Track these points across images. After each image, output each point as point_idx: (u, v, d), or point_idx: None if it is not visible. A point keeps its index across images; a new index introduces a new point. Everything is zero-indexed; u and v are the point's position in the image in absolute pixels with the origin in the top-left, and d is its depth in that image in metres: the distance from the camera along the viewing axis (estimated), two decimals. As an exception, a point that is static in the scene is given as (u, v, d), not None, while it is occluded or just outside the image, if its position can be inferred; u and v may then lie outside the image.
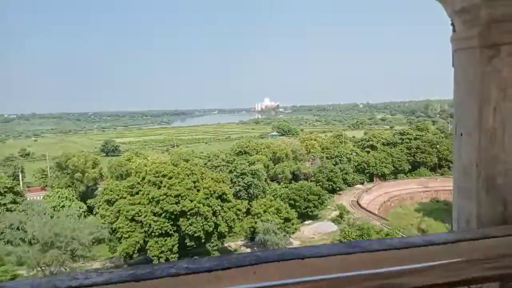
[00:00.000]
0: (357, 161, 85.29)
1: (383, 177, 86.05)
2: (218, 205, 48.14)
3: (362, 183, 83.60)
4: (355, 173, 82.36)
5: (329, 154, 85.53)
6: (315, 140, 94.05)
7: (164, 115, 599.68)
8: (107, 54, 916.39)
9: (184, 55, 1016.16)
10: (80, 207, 60.44)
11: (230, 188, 53.63)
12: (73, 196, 64.56)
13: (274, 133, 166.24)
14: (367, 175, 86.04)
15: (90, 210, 60.73)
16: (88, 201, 62.63)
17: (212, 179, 50.93)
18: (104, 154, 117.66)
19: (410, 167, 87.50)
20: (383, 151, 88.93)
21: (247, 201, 55.93)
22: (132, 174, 55.44)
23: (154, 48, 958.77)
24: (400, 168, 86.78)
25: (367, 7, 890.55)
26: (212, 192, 48.31)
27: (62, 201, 62.40)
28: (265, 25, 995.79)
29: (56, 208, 57.99)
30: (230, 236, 50.75)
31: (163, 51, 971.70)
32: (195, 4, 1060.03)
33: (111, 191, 50.49)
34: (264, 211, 54.42)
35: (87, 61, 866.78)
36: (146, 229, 45.87)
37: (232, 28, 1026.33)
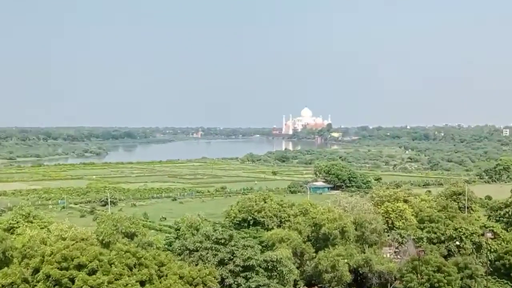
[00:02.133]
0: (499, 252, 68.37)
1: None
2: None
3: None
4: (496, 277, 63.04)
5: (435, 232, 72.05)
6: (405, 201, 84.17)
7: (91, 137, 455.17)
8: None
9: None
10: None
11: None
12: None
13: (320, 182, 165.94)
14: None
15: None
16: None
17: (181, 277, 44.73)
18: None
19: None
20: None
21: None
22: (15, 260, 47.55)
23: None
24: None
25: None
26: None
27: None
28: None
29: None
30: None
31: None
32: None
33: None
34: None
35: None
36: None
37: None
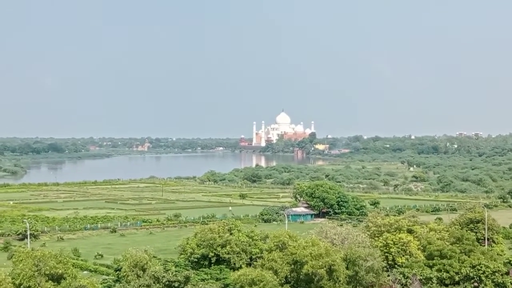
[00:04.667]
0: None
1: None
2: None
3: None
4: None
5: (447, 270, 73.90)
6: (410, 232, 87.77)
7: (4, 151, 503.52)
8: None
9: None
10: None
11: None
12: None
13: (301, 208, 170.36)
14: None
15: None
16: None
17: None
18: None
19: None
20: None
21: None
22: None
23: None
24: None
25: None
26: None
27: None
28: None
29: None
30: None
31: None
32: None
33: None
34: None
35: None
36: None
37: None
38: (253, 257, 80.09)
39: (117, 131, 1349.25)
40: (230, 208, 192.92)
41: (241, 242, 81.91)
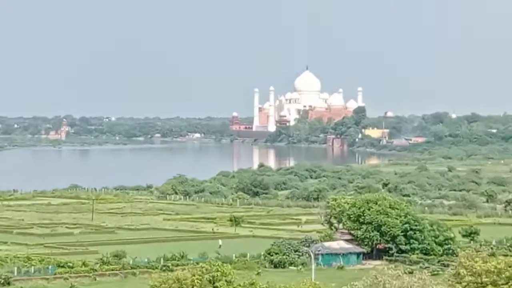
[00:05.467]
0: None
1: None
2: None
3: None
4: None
5: None
6: None
7: None
8: None
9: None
10: None
11: None
12: None
13: (340, 242, 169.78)
14: None
15: None
16: None
17: None
18: None
19: None
20: None
21: None
22: None
23: None
24: None
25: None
26: None
27: None
28: None
29: None
30: None
31: None
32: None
33: None
34: None
35: None
36: None
37: None
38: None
39: (11, 106, 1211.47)
40: (220, 242, 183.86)
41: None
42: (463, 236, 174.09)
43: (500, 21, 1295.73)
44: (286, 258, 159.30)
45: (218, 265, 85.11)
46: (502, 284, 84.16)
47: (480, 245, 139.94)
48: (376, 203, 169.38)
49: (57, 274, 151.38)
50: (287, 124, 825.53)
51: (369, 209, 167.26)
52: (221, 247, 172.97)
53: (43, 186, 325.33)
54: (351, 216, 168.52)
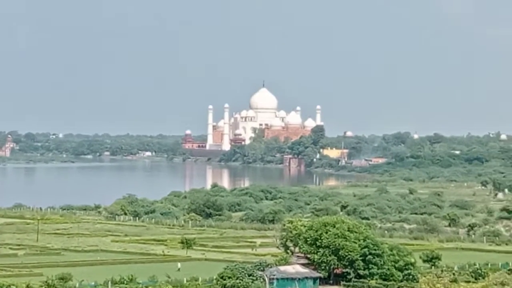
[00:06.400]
0: None
1: None
2: None
3: None
4: None
5: None
6: None
7: None
8: None
9: None
10: None
11: None
12: None
13: (295, 266, 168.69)
14: None
15: None
16: None
17: None
18: None
19: None
20: None
21: None
22: None
23: None
24: None
25: None
26: None
27: None
28: None
29: None
30: None
31: None
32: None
33: None
34: None
35: None
36: None
37: None
38: None
39: None
40: (179, 265, 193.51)
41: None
42: (424, 261, 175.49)
43: (463, 41, 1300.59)
44: (240, 283, 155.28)
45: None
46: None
47: (442, 270, 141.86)
48: (334, 226, 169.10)
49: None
50: (242, 143, 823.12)
51: (326, 232, 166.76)
52: (180, 270, 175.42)
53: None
54: (308, 239, 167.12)
